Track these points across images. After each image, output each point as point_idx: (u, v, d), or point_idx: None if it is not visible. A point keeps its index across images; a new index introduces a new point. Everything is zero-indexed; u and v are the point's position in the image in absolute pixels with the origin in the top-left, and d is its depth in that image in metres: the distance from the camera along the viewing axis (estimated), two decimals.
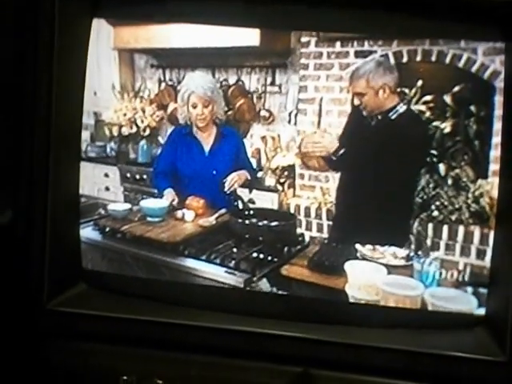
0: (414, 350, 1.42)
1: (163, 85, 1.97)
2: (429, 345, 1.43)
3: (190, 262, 1.76)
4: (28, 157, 1.53)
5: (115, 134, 1.98)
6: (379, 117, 1.70)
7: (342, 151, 1.70)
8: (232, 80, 1.90)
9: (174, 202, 1.92)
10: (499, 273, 1.42)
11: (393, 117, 1.67)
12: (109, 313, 1.56)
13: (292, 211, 1.84)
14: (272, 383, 1.49)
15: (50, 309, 1.56)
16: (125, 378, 1.53)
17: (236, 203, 1.89)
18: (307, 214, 1.82)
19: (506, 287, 1.39)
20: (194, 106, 1.90)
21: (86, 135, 1.96)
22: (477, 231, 1.57)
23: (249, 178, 1.90)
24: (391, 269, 1.60)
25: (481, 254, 1.57)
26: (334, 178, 1.74)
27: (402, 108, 1.65)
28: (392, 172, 1.66)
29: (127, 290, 1.61)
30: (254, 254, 1.75)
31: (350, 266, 1.60)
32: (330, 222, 1.76)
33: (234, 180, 1.88)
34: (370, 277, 1.58)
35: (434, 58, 1.55)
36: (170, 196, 1.92)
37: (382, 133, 1.70)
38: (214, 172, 1.91)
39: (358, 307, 1.56)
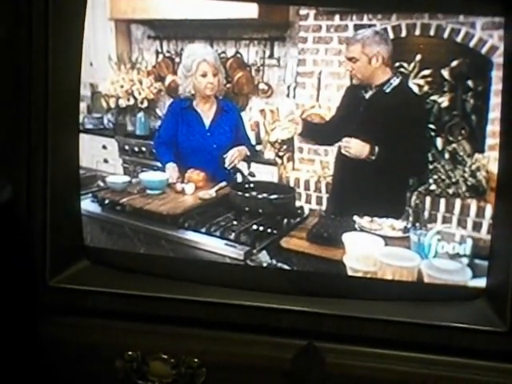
0: (415, 322, 1.45)
1: (161, 56, 1.94)
2: (430, 316, 1.45)
3: (190, 235, 1.77)
4: (26, 131, 1.53)
5: (112, 105, 1.96)
6: (374, 90, 1.71)
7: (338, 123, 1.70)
8: (230, 52, 1.89)
9: (174, 179, 1.92)
10: (499, 245, 1.44)
11: (387, 90, 1.68)
12: (112, 289, 1.57)
13: (292, 184, 1.85)
14: (277, 356, 1.51)
15: (53, 285, 1.57)
16: (130, 353, 1.55)
17: (236, 176, 1.90)
18: (307, 188, 1.83)
19: (506, 259, 1.41)
20: (204, 75, 1.88)
21: (82, 106, 1.90)
22: (473, 204, 1.60)
23: (248, 153, 1.90)
24: (388, 240, 1.62)
25: (477, 227, 1.59)
26: (333, 152, 1.74)
27: (395, 81, 1.66)
28: (389, 145, 1.67)
29: (130, 266, 1.62)
30: (254, 227, 1.76)
31: (347, 238, 1.62)
32: (329, 195, 1.77)
33: (234, 156, 1.88)
34: (368, 248, 1.60)
35: (432, 33, 1.55)
36: (171, 170, 1.93)
37: (376, 106, 1.71)
38: (214, 146, 1.91)
39: (358, 280, 1.58)
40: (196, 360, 1.54)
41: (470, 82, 1.56)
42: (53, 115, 1.51)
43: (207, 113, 1.95)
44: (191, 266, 1.65)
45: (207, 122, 1.94)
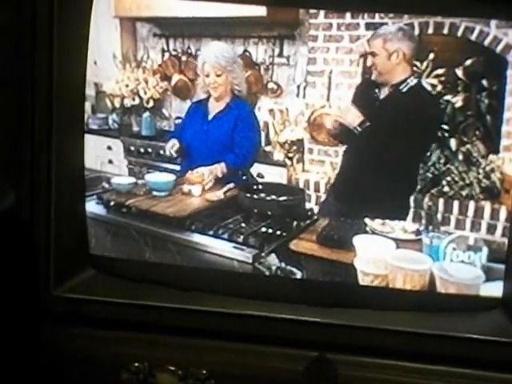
0: (430, 333, 1.42)
1: (167, 55, 1.94)
2: (445, 327, 1.42)
3: (197, 237, 1.74)
4: (29, 133, 1.49)
5: (117, 105, 1.95)
6: (389, 89, 1.68)
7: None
8: (238, 51, 1.86)
9: (175, 148, 1.92)
10: None
11: (404, 90, 1.65)
12: (117, 299, 1.53)
13: (301, 186, 1.83)
14: (288, 368, 1.48)
15: (57, 295, 1.53)
16: (136, 364, 1.52)
17: (244, 178, 1.87)
18: (317, 189, 1.81)
19: None
20: (207, 75, 1.88)
21: (86, 106, 1.86)
22: (487, 206, 1.58)
23: (224, 171, 1.87)
24: (400, 243, 1.60)
25: (491, 229, 1.57)
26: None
27: (412, 81, 1.63)
28: (402, 146, 1.65)
29: (135, 274, 1.59)
30: (263, 229, 1.73)
31: (359, 240, 1.60)
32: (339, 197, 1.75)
33: (203, 175, 1.87)
34: (379, 251, 1.57)
35: (445, 31, 1.54)
36: (172, 144, 1.93)
37: (391, 106, 1.69)
38: (212, 140, 1.91)
39: (370, 289, 1.56)
40: (204, 372, 1.51)
41: (484, 82, 1.54)
42: (57, 116, 1.47)
43: (215, 109, 1.94)
44: (199, 274, 1.61)
45: (211, 115, 1.94)
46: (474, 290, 1.49)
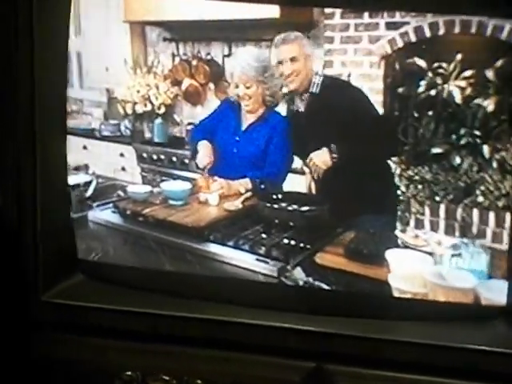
0: (433, 344, 1.38)
1: (177, 59, 1.92)
2: (445, 338, 1.38)
3: (217, 248, 1.70)
4: (13, 134, 1.46)
5: (129, 111, 1.95)
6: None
7: None
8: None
9: (207, 159, 1.85)
10: None
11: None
12: (109, 305, 1.51)
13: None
14: (284, 378, 1.45)
15: (46, 300, 1.52)
16: (129, 373, 1.50)
17: (262, 186, 1.81)
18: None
19: None
20: (236, 86, 1.81)
21: (99, 113, 1.99)
22: None
23: (249, 187, 1.82)
24: (438, 258, 1.52)
25: None
26: None
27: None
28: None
29: (125, 281, 1.56)
30: (285, 241, 1.68)
31: (392, 255, 1.53)
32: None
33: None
34: (416, 267, 1.50)
35: (473, 30, 1.46)
36: (204, 148, 1.87)
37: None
38: (241, 154, 1.85)
39: (377, 300, 1.50)
40: (199, 381, 1.48)
41: None
42: (39, 118, 1.45)
43: (249, 120, 1.86)
44: (191, 281, 1.59)
45: (245, 125, 1.86)
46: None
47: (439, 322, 1.42)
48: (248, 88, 1.79)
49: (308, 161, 1.72)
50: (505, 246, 1.48)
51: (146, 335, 1.50)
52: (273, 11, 1.63)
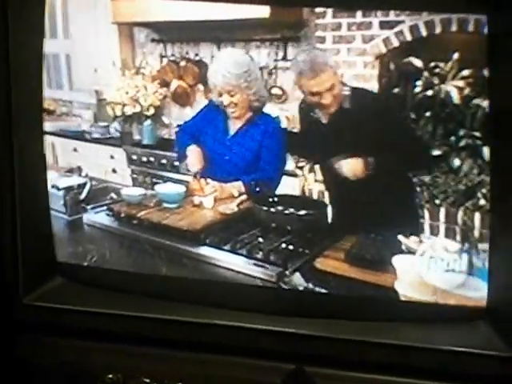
0: (413, 345, 1.36)
1: (165, 60, 1.91)
2: (428, 339, 1.36)
3: (213, 252, 1.66)
4: None
5: (118, 113, 1.93)
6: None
7: None
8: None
9: (197, 165, 1.82)
10: (499, 260, 1.33)
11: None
12: (89, 307, 1.50)
13: (315, 197, 1.74)
14: (264, 381, 1.43)
15: (28, 303, 1.50)
16: (110, 376, 1.48)
17: (258, 189, 1.78)
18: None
19: (507, 276, 1.31)
20: (220, 94, 1.77)
21: (89, 115, 1.98)
22: None
23: (242, 191, 1.79)
24: (446, 265, 1.47)
25: None
26: None
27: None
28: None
29: (107, 284, 1.55)
30: (283, 245, 1.64)
31: (398, 261, 1.48)
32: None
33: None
34: (424, 273, 1.45)
35: (471, 28, 1.41)
36: (194, 154, 1.83)
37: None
38: (232, 159, 1.81)
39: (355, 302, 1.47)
40: None
41: None
42: (16, 115, 1.42)
43: (236, 124, 1.82)
44: (187, 285, 1.55)
45: (233, 130, 1.82)
46: None
47: (420, 324, 1.40)
48: (232, 96, 1.75)
49: (328, 167, 1.65)
50: None
51: (127, 338, 1.48)
52: (262, 11, 1.60)
